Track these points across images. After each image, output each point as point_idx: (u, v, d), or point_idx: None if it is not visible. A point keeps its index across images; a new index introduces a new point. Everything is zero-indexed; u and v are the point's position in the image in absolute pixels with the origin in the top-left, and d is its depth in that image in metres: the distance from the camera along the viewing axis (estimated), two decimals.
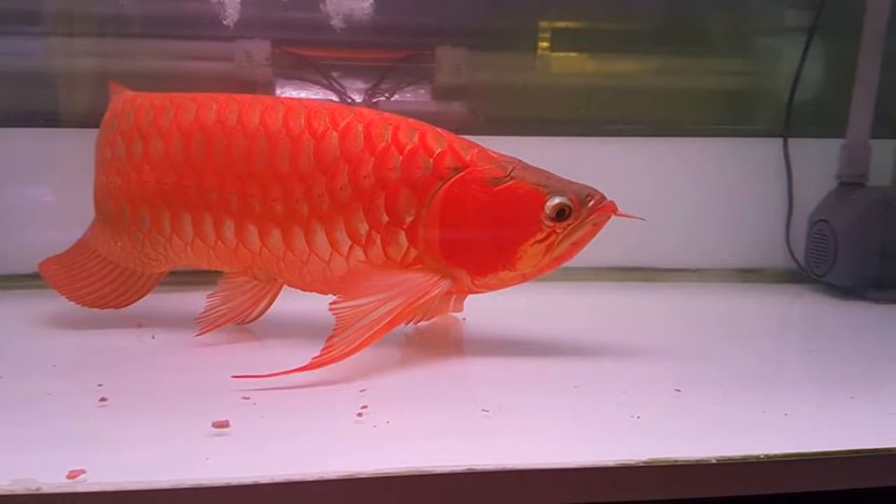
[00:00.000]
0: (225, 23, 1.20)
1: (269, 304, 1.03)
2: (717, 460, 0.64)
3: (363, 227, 0.92)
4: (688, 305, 1.33)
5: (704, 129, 1.49)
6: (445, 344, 1.04)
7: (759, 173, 1.48)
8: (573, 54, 1.49)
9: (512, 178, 0.91)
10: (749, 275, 1.50)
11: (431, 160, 0.91)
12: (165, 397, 0.79)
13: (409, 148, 0.92)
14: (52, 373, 0.87)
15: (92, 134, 1.07)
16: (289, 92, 1.39)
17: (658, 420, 0.74)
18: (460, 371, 0.92)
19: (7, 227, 1.22)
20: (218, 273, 1.03)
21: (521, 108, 1.47)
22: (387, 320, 0.86)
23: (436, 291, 0.91)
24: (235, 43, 1.33)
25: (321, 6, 1.22)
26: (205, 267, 1.03)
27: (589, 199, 0.90)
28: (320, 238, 0.94)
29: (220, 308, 1.00)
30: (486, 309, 1.11)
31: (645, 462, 0.64)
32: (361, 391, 0.80)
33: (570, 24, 1.48)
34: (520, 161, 0.94)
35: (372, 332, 0.85)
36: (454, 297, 1.06)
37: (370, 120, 0.94)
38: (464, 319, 1.12)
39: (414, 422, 0.73)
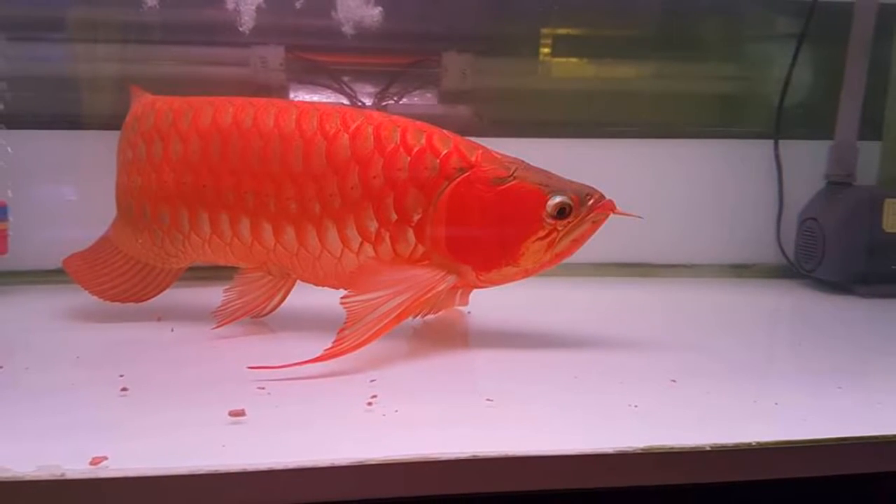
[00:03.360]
0: (241, 30, 1.20)
1: (283, 298, 1.03)
2: (711, 447, 0.64)
3: (373, 225, 0.92)
4: (683, 300, 1.33)
5: (699, 131, 1.48)
6: (451, 336, 1.04)
7: (751, 173, 1.48)
8: (574, 60, 1.49)
9: (515, 178, 0.90)
10: (741, 270, 1.50)
11: (438, 161, 0.91)
12: (184, 387, 0.79)
13: (416, 149, 0.92)
14: (75, 364, 0.87)
15: (114, 136, 1.07)
16: (302, 96, 1.39)
17: (654, 409, 0.74)
18: (465, 362, 0.92)
19: (33, 225, 1.22)
20: (234, 269, 1.03)
21: (524, 111, 1.47)
22: (395, 314, 0.86)
23: (442, 286, 0.91)
24: (251, 49, 1.33)
25: (333, 14, 1.22)
26: (221, 263, 1.03)
27: (588, 198, 0.90)
28: (332, 235, 0.94)
29: (236, 302, 1.00)
30: (489, 303, 1.11)
31: (642, 449, 0.63)
32: (371, 381, 0.80)
33: (571, 31, 1.47)
34: (522, 162, 0.94)
35: (381, 325, 0.85)
36: (460, 291, 1.06)
37: (379, 122, 0.94)
38: (469, 313, 1.12)
39: (421, 410, 0.73)
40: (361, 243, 0.93)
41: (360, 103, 1.39)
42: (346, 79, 1.39)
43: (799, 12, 1.45)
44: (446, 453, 0.62)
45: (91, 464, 0.58)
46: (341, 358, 0.83)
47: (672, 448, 0.64)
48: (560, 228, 0.90)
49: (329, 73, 1.38)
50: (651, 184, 1.42)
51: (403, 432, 0.67)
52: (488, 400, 0.75)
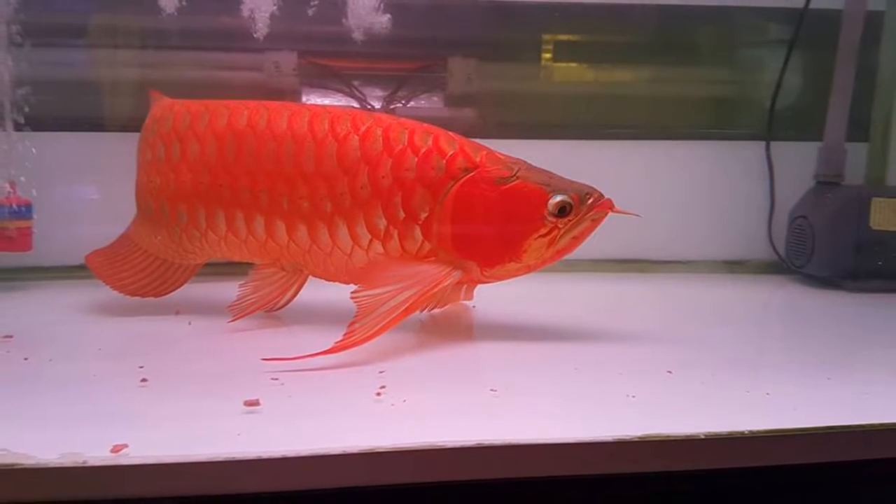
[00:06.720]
0: (255, 36, 1.20)
1: (296, 293, 1.03)
2: (706, 436, 0.64)
3: (382, 223, 0.92)
4: (679, 294, 1.32)
5: (694, 133, 1.48)
6: (457, 329, 1.04)
7: (743, 173, 1.47)
8: (574, 65, 1.48)
9: (518, 178, 0.90)
10: (734, 266, 1.50)
11: (444, 161, 0.91)
12: (201, 378, 0.79)
13: (423, 150, 0.92)
14: (97, 356, 0.87)
15: (134, 138, 1.08)
16: (314, 99, 1.39)
17: (651, 399, 0.74)
18: (470, 354, 0.92)
19: (56, 223, 1.22)
20: (249, 264, 1.04)
21: (526, 114, 1.47)
22: (403, 308, 0.86)
23: (448, 281, 0.91)
24: (265, 54, 1.33)
25: (343, 21, 1.22)
26: (237, 259, 1.03)
27: (588, 197, 0.90)
28: (342, 233, 0.94)
29: (251, 297, 1.01)
30: (493, 297, 1.11)
31: (639, 438, 0.63)
32: (380, 372, 0.80)
33: (571, 37, 1.47)
34: (525, 162, 0.94)
35: (390, 318, 0.85)
36: (465, 286, 1.05)
37: (388, 125, 0.94)
38: (473, 307, 1.12)
39: (428, 400, 0.73)
40: (371, 240, 0.93)
41: (369, 106, 1.39)
42: (356, 83, 1.39)
43: (789, 19, 1.44)
44: (452, 441, 0.61)
45: (112, 451, 0.58)
46: (351, 350, 0.83)
47: (668, 436, 0.64)
48: (561, 226, 0.90)
49: (340, 77, 1.38)
50: (648, 183, 1.42)
51: (411, 421, 0.67)
52: (492, 390, 0.75)
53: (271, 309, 1.03)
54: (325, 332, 0.86)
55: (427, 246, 0.93)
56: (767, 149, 1.47)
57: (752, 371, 0.89)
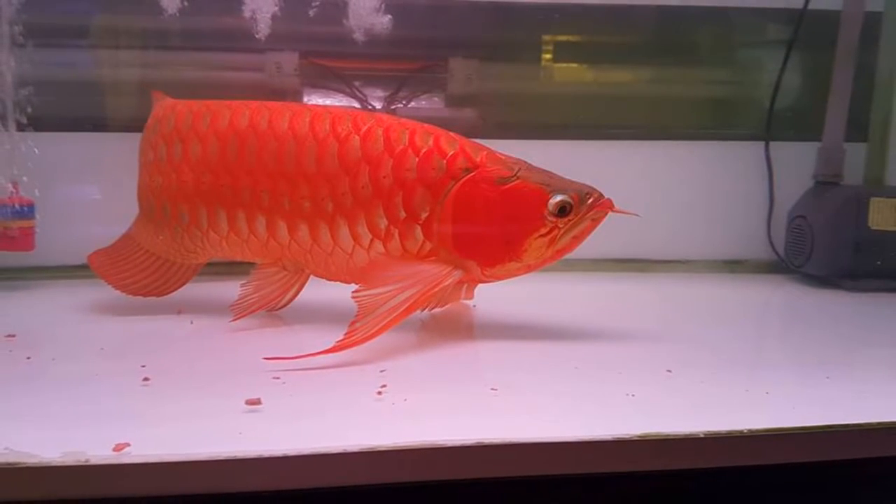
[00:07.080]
0: (257, 37, 1.20)
1: (297, 292, 1.03)
2: (705, 435, 0.64)
3: (383, 223, 0.92)
4: (678, 294, 1.32)
5: (694, 133, 1.48)
6: (457, 329, 1.04)
7: (743, 173, 1.47)
8: (574, 65, 1.48)
9: (518, 178, 0.90)
10: (734, 266, 1.50)
11: (445, 161, 0.91)
12: (203, 377, 0.79)
13: (424, 150, 0.92)
14: (99, 355, 0.87)
15: (136, 138, 1.08)
16: (315, 99, 1.39)
17: (651, 398, 0.74)
18: (471, 353, 0.92)
19: (59, 223, 1.22)
20: (250, 264, 1.04)
21: (527, 114, 1.47)
22: (404, 307, 0.86)
23: (449, 281, 0.91)
24: (266, 55, 1.33)
25: (344, 21, 1.22)
26: (238, 258, 1.03)
27: (588, 196, 0.90)
28: (344, 232, 0.94)
29: (253, 296, 1.01)
30: (494, 297, 1.11)
31: (638, 436, 0.63)
32: (381, 372, 0.80)
33: (571, 38, 1.47)
34: (525, 162, 0.94)
35: (391, 317, 0.85)
36: (465, 286, 1.05)
37: (389, 125, 0.94)
38: (474, 306, 1.12)
39: (429, 399, 0.73)
40: (372, 240, 0.93)
41: (370, 107, 1.39)
42: (357, 83, 1.39)
43: (788, 20, 1.44)
44: (452, 440, 0.61)
45: (114, 450, 0.58)
46: (353, 349, 0.83)
47: (667, 435, 0.64)
48: (561, 226, 0.90)
49: (341, 77, 1.38)
50: (648, 183, 1.42)
51: (412, 420, 0.67)
52: (493, 389, 0.75)
53: (273, 308, 1.03)
54: (326, 331, 0.86)
55: (428, 245, 0.93)
56: (766, 149, 1.47)
57: (751, 370, 0.89)
